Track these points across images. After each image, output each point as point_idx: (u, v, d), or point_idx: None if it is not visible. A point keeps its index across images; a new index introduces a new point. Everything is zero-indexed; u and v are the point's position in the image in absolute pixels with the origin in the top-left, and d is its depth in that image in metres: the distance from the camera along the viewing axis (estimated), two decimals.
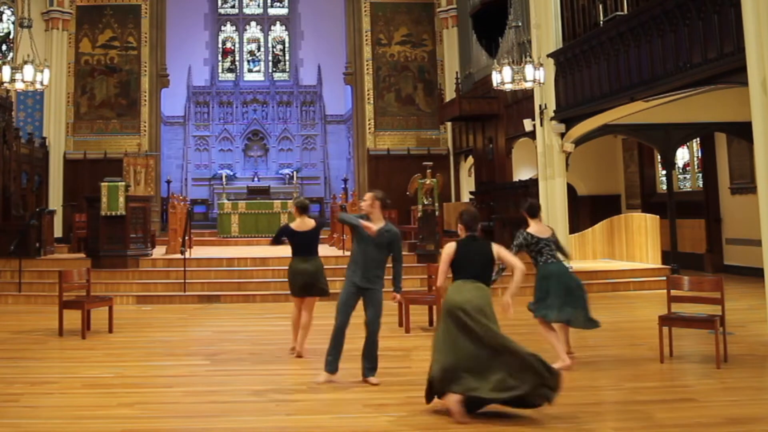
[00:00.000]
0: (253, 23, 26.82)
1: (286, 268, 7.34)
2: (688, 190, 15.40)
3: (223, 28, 26.71)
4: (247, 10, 26.85)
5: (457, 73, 19.45)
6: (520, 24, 13.34)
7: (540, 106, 13.58)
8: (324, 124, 25.85)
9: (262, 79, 26.44)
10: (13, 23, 19.28)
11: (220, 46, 26.61)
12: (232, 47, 26.69)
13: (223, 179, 24.46)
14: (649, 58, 10.44)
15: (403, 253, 6.68)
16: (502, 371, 4.89)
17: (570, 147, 13.26)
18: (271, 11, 26.88)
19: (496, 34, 16.61)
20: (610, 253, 14.15)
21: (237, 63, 26.57)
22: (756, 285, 9.71)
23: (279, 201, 18.96)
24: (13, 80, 11.14)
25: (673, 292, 6.89)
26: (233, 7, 26.85)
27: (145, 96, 19.95)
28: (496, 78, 11.81)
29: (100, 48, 19.97)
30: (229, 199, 20.26)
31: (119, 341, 8.11)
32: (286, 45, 26.79)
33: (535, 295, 6.56)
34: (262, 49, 26.77)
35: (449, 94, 20.11)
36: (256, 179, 24.66)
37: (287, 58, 26.77)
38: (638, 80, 10.78)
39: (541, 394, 4.86)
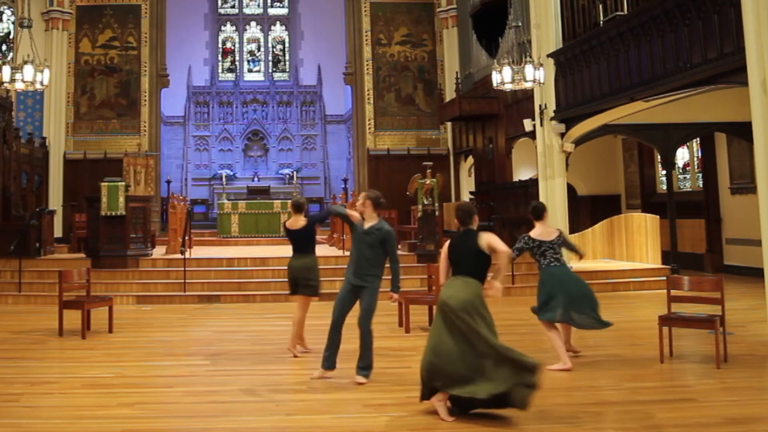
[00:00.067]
0: (253, 23, 26.82)
1: (286, 267, 7.39)
2: (688, 190, 15.40)
3: (223, 28, 26.72)
4: (247, 10, 26.85)
5: (457, 73, 19.45)
6: (520, 24, 13.33)
7: (540, 106, 13.56)
8: (324, 124, 25.86)
9: (262, 79, 26.44)
10: (13, 23, 19.28)
11: (220, 46, 26.62)
12: (232, 47, 26.69)
13: (223, 179, 24.46)
14: (649, 58, 10.43)
15: (404, 253, 6.70)
16: (482, 369, 4.86)
17: (570, 147, 13.25)
18: (271, 11, 26.89)
19: (496, 34, 16.62)
20: (610, 253, 14.17)
21: (237, 63, 26.58)
22: (756, 285, 9.72)
23: (279, 201, 18.94)
24: (13, 80, 11.13)
25: (673, 292, 6.88)
26: (233, 7, 26.85)
27: (145, 96, 19.95)
28: (496, 78, 11.81)
29: (100, 48, 19.97)
30: (229, 199, 20.25)
31: (119, 341, 8.12)
32: (286, 45, 26.79)
33: (539, 298, 6.56)
34: (262, 49, 26.77)
35: (449, 94, 20.11)
36: (256, 179, 24.66)
37: (287, 58, 26.77)
38: (638, 80, 10.77)
39: (521, 392, 4.80)
